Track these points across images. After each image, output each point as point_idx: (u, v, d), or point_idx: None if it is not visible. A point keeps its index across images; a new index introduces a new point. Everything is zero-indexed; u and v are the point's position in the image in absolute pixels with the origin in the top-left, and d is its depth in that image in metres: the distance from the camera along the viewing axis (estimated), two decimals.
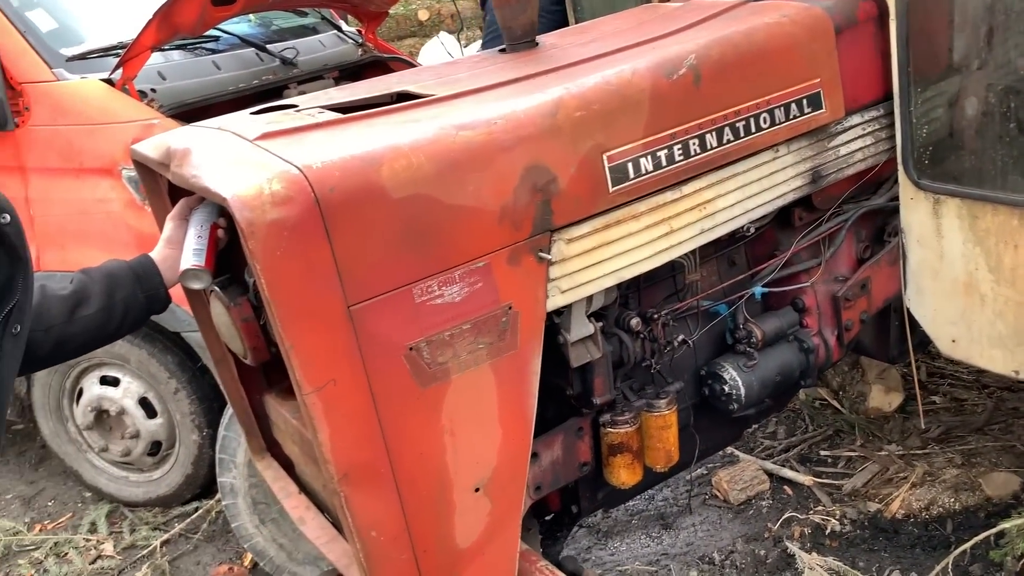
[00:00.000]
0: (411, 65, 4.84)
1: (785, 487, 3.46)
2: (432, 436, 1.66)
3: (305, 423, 1.56)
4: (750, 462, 3.55)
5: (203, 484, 3.71)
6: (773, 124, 2.01)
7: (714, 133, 1.91)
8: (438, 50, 13.03)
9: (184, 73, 3.62)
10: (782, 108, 2.02)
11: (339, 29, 4.78)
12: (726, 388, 2.22)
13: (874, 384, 3.78)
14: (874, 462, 3.49)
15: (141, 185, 3.22)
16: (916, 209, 2.29)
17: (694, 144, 1.88)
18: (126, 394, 3.58)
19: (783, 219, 2.32)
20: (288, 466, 2.23)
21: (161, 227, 1.99)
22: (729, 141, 1.94)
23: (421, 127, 1.62)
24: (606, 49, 2.01)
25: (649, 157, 1.81)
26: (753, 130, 1.97)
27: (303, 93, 4.09)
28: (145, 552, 3.50)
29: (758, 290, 2.25)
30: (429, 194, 1.56)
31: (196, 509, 3.68)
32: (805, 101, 2.06)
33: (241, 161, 1.53)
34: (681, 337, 2.14)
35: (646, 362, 2.10)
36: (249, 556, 3.40)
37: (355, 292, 1.51)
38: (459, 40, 11.92)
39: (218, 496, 3.66)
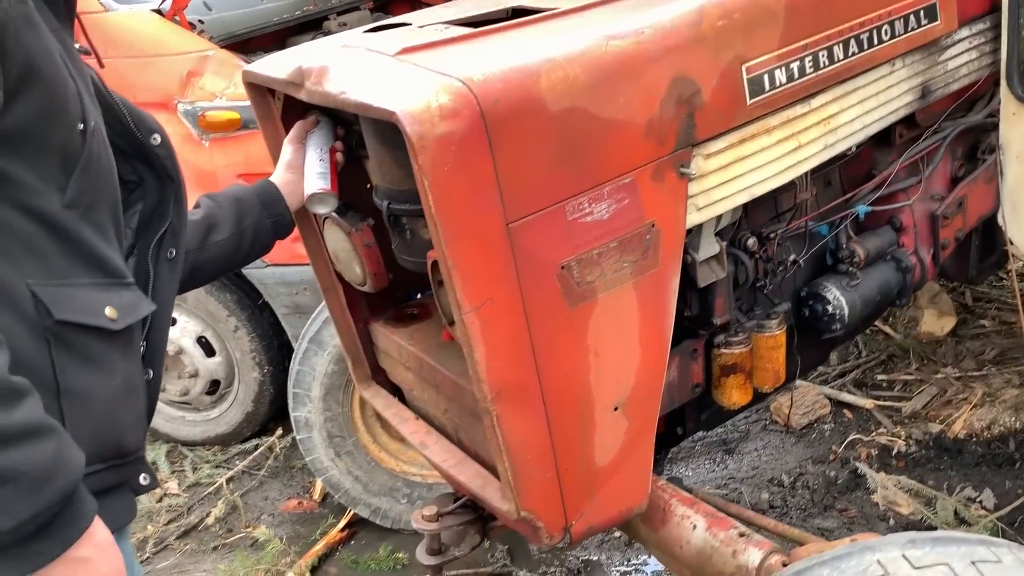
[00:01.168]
0: None
1: (845, 411, 3.51)
2: (578, 356, 1.65)
3: (461, 343, 1.54)
4: (809, 387, 3.58)
5: (263, 422, 3.72)
6: (893, 36, 1.97)
7: (841, 45, 1.87)
8: None
9: (230, 3, 3.53)
10: (902, 20, 1.98)
11: None
12: (830, 308, 2.21)
13: (926, 309, 3.79)
14: (932, 384, 3.53)
15: (199, 118, 3.17)
16: (1018, 124, 2.26)
17: (823, 56, 1.84)
18: (184, 333, 3.55)
19: (881, 137, 2.29)
20: (394, 393, 2.22)
21: (272, 151, 1.95)
22: (854, 54, 1.90)
23: (568, 38, 1.57)
24: None
25: (783, 69, 1.78)
26: (875, 42, 1.93)
27: (344, 24, 4.02)
28: (211, 490, 3.52)
29: (862, 209, 2.23)
30: (584, 107, 1.52)
31: (256, 447, 3.69)
32: (923, 12, 2.02)
33: (393, 76, 1.48)
34: (793, 257, 2.13)
35: (760, 283, 2.09)
36: (318, 490, 3.43)
37: (514, 209, 1.48)
38: None
39: (279, 432, 3.69)
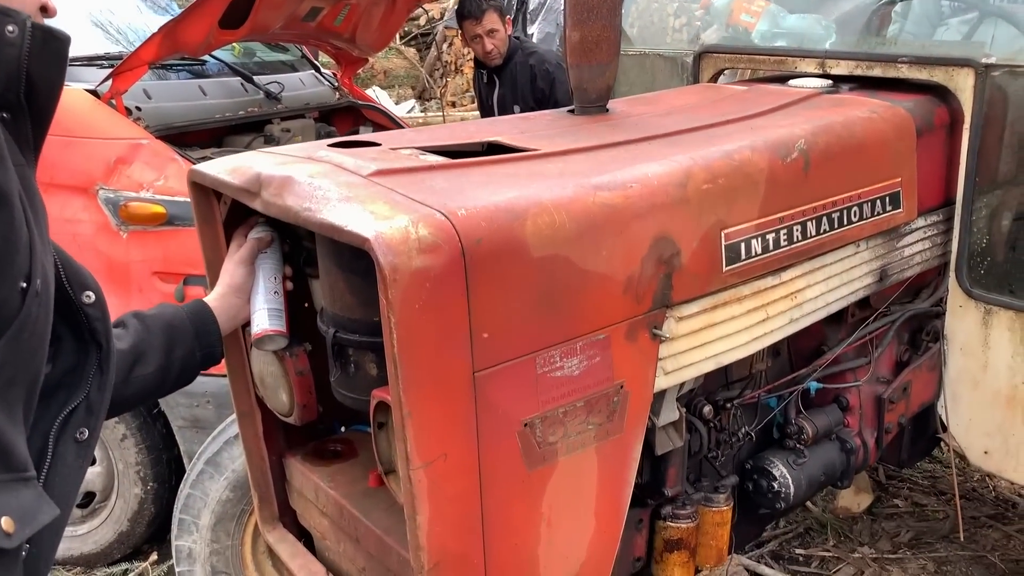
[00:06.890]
0: (385, 115, 4.71)
1: None
2: (530, 526, 1.48)
3: (403, 501, 1.36)
4: (731, 557, 3.45)
5: (137, 544, 3.33)
6: (861, 219, 1.98)
7: (814, 222, 1.85)
8: None
9: (171, 94, 3.37)
10: (869, 204, 1.99)
11: (317, 69, 4.62)
12: (775, 485, 2.12)
13: None
14: (849, 564, 3.45)
15: (121, 208, 2.96)
16: (964, 317, 2.28)
17: (797, 231, 1.81)
18: None
19: (833, 314, 2.27)
20: (301, 536, 1.98)
21: (207, 256, 1.77)
22: (825, 231, 1.89)
23: (555, 183, 1.48)
24: (695, 123, 1.94)
25: (759, 239, 1.73)
26: (845, 222, 1.93)
27: (287, 130, 3.91)
28: None
29: (813, 385, 2.18)
30: (567, 256, 1.41)
31: (126, 572, 3.29)
32: (888, 199, 2.04)
33: (366, 198, 1.35)
34: (745, 429, 2.04)
35: (711, 453, 1.98)
36: None
37: (483, 357, 1.34)
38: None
39: (153, 558, 3.30)
